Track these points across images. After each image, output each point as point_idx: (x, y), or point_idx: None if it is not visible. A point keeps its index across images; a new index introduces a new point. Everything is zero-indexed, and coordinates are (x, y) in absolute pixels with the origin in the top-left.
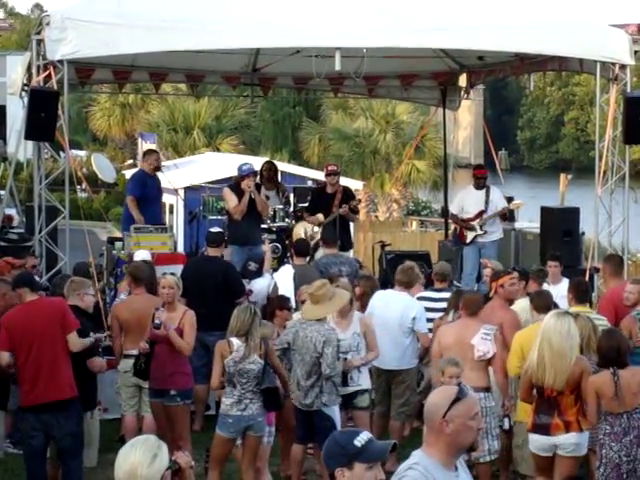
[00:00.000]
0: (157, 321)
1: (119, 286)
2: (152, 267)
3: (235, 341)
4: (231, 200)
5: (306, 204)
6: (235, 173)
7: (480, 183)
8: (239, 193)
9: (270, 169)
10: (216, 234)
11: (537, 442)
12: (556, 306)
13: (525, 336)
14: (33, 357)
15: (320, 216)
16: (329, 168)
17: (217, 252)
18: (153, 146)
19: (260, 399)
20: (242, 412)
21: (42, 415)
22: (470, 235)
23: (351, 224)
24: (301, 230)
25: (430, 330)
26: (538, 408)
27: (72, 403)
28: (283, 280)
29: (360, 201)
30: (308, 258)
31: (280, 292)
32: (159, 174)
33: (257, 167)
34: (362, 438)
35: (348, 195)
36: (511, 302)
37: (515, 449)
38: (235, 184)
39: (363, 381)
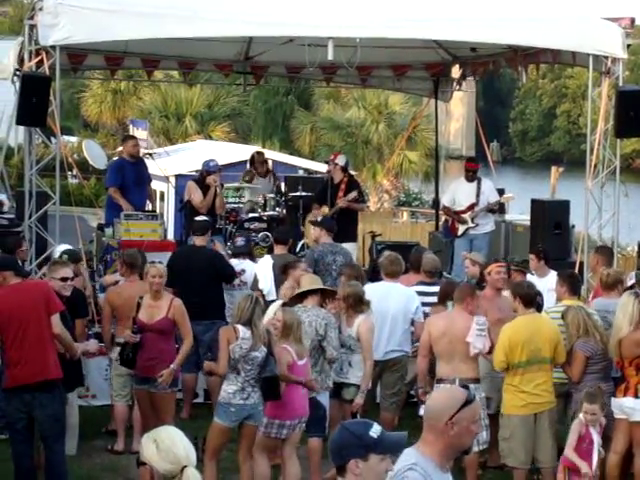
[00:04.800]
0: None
1: (108, 271)
2: (144, 254)
3: (240, 328)
4: (197, 194)
5: (297, 193)
6: (231, 160)
7: (470, 176)
8: (204, 188)
9: (257, 157)
10: (202, 223)
11: (612, 403)
12: (541, 296)
13: (513, 330)
14: (19, 339)
15: (325, 209)
16: (332, 157)
17: (203, 241)
18: (144, 133)
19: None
20: (245, 401)
21: (25, 395)
22: (461, 228)
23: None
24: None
25: None
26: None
27: (55, 385)
28: (263, 271)
29: (360, 193)
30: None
31: (260, 283)
32: (148, 160)
33: (248, 155)
34: (376, 429)
35: (352, 185)
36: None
37: (501, 442)
38: (200, 179)
39: (352, 375)
